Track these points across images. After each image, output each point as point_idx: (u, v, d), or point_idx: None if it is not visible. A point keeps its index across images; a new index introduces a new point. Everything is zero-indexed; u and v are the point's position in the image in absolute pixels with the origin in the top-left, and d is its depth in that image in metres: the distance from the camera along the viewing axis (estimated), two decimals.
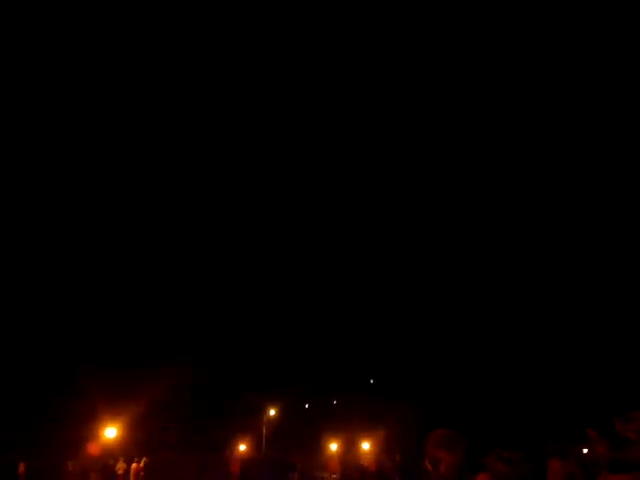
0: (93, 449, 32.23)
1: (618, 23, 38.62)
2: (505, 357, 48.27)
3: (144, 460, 31.13)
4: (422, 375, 49.27)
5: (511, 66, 45.04)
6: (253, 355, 47.82)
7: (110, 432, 33.87)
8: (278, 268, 52.78)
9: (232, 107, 48.86)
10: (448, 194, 52.41)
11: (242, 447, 44.10)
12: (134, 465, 30.48)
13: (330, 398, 51.94)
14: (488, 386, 48.14)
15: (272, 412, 46.28)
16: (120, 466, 30.49)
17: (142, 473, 30.40)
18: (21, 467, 28.11)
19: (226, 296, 49.46)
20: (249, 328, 49.17)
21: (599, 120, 44.65)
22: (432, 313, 52.24)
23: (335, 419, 48.49)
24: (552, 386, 46.14)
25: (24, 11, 35.27)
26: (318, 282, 53.50)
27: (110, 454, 32.69)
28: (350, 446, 47.91)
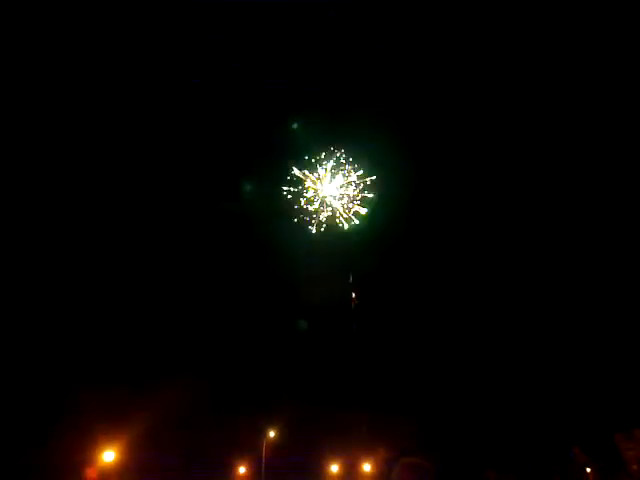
0: (91, 473, 31.85)
1: (618, 23, 39.36)
2: (503, 376, 48.17)
3: None
4: (422, 395, 49.01)
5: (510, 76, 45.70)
6: (252, 377, 47.53)
7: (108, 456, 33.46)
8: (276, 290, 52.76)
9: None
10: (445, 203, 52.71)
11: (242, 470, 43.59)
12: None
13: (330, 419, 51.49)
14: (488, 404, 47.93)
15: (272, 434, 45.78)
16: None
17: None
18: None
19: (225, 319, 49.37)
20: (247, 350, 48.97)
21: (599, 120, 45.18)
22: (431, 334, 52.18)
23: (335, 440, 47.99)
24: (550, 405, 46.04)
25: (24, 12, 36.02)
26: (315, 301, 53.41)
27: (108, 478, 32.27)
28: (351, 468, 47.36)
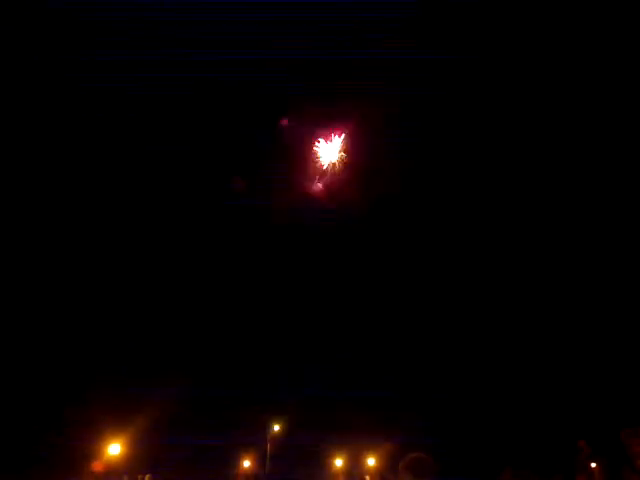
0: (97, 466, 32.09)
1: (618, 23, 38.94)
2: (509, 372, 48.07)
3: (148, 477, 30.95)
4: (427, 389, 48.95)
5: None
6: (256, 370, 47.66)
7: (114, 449, 33.71)
8: (278, 279, 52.80)
9: None
10: (444, 200, 52.53)
11: (246, 463, 43.78)
12: None
13: (335, 413, 51.60)
14: (494, 400, 47.85)
15: (276, 427, 45.90)
16: None
17: None
18: None
19: (227, 312, 49.52)
20: (250, 341, 49.10)
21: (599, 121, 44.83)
22: (438, 326, 52.12)
23: (340, 434, 48.05)
24: (556, 400, 45.93)
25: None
26: (319, 292, 53.45)
27: (114, 471, 32.50)
28: (355, 462, 47.42)
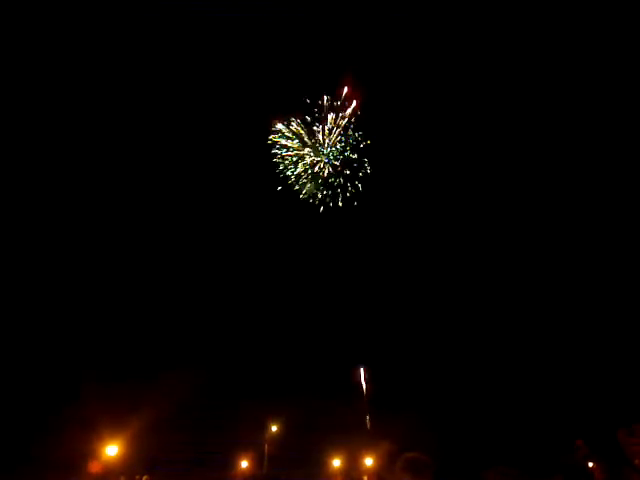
0: (95, 467, 32.00)
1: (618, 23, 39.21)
2: (506, 372, 48.13)
3: (145, 478, 30.92)
4: (426, 387, 48.99)
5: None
6: (254, 371, 47.62)
7: (111, 450, 33.60)
8: (277, 281, 52.82)
9: None
10: (446, 198, 52.64)
11: (244, 464, 43.75)
12: None
13: (333, 413, 51.62)
14: (491, 400, 47.89)
15: (274, 428, 45.84)
16: None
17: None
18: None
19: (225, 313, 49.50)
20: (249, 342, 49.07)
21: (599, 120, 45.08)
22: (437, 326, 52.20)
23: (338, 435, 48.03)
24: (552, 400, 45.99)
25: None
26: (317, 291, 53.51)
27: (112, 472, 32.42)
28: (353, 462, 47.37)
